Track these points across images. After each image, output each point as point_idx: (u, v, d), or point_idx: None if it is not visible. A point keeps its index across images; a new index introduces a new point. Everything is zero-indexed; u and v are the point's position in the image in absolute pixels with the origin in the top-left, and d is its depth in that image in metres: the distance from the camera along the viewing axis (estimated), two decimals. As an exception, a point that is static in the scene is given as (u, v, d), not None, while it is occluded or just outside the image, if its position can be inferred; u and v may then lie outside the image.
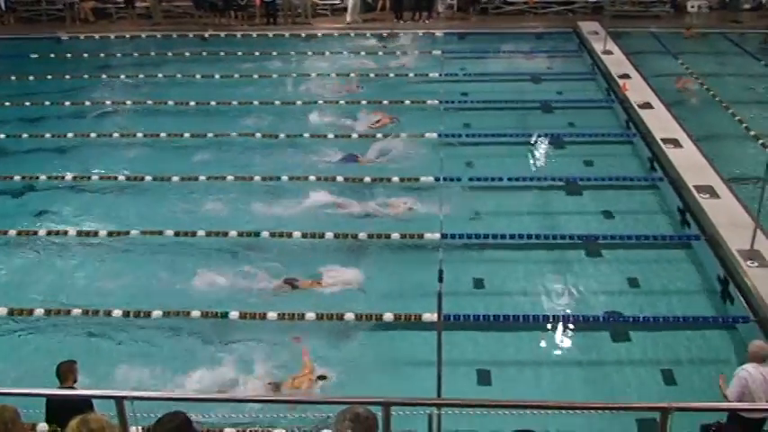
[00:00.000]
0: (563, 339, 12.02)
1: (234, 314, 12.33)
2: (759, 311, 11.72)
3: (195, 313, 12.35)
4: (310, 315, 12.28)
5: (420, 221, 14.86)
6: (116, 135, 19.46)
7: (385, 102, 21.19)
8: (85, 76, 24.01)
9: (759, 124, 18.98)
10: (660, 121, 18.67)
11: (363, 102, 21.33)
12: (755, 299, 11.91)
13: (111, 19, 30.32)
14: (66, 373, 9.31)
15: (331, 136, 19.08)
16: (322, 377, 11.09)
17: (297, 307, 12.48)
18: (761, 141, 17.83)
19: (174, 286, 13.28)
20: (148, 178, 16.90)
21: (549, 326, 12.22)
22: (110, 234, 14.79)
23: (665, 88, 21.36)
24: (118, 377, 10.92)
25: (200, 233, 14.64)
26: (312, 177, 16.78)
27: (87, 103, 21.77)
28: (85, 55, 26.16)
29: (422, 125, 19.36)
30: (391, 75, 23.69)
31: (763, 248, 12.96)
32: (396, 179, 16.66)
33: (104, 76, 24.19)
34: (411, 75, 23.62)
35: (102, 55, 26.26)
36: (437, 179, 16.33)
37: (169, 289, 13.20)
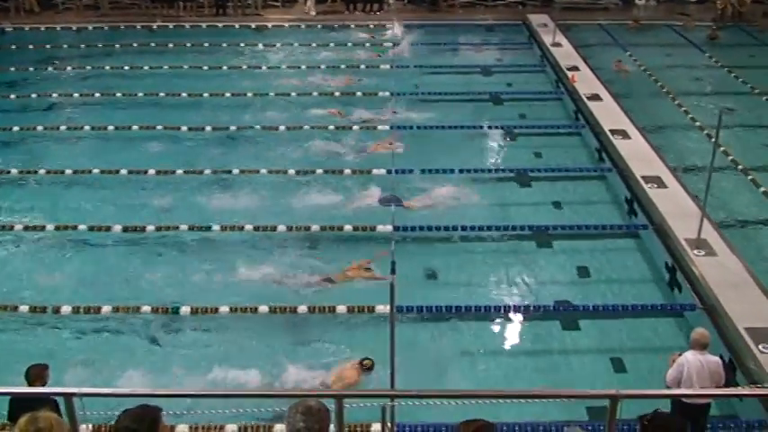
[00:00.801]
0: (514, 329, 12.12)
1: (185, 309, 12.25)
2: (706, 299, 11.95)
3: (145, 308, 12.24)
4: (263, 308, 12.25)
5: (372, 215, 14.85)
6: (63, 128, 19.13)
7: (337, 94, 21.15)
8: (31, 68, 23.54)
9: (705, 115, 19.32)
10: (608, 113, 18.91)
11: (315, 94, 21.24)
12: (702, 287, 12.14)
13: (57, 10, 29.74)
14: (34, 376, 8.96)
15: (282, 128, 18.98)
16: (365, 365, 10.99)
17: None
18: (706, 132, 18.14)
19: (125, 280, 13.15)
20: (96, 171, 16.65)
21: (500, 316, 12.32)
22: (57, 228, 14.54)
23: (612, 79, 21.64)
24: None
25: (150, 228, 14.48)
26: (264, 170, 16.68)
27: (33, 95, 21.37)
28: (31, 46, 25.64)
29: (374, 116, 19.36)
30: (342, 66, 23.63)
31: (710, 237, 13.21)
32: (348, 171, 16.63)
33: (50, 68, 23.76)
34: (362, 66, 23.60)
35: (47, 46, 25.76)
36: (389, 171, 16.34)
37: (117, 282, 13.08)
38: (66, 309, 12.27)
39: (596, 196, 16.04)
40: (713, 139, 12.50)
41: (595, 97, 19.90)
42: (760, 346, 10.61)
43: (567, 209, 15.45)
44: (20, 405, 7.95)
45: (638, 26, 28.25)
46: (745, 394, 9.98)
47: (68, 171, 16.73)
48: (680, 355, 9.46)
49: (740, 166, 16.80)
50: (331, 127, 18.96)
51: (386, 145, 17.52)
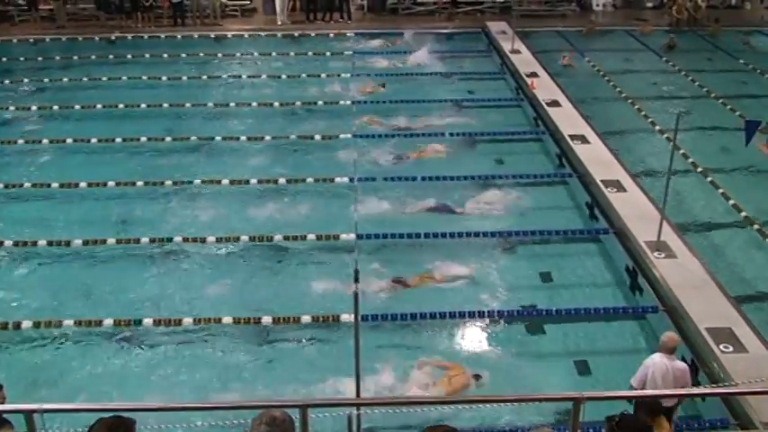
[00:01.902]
0: (479, 334, 12.11)
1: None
2: (667, 301, 12.06)
3: (107, 321, 12.09)
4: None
5: (334, 222, 14.83)
6: (21, 141, 18.88)
7: (298, 103, 21.12)
8: (-13, 81, 23.25)
9: (663, 118, 19.57)
10: (568, 118, 19.08)
11: (276, 104, 21.21)
12: (663, 289, 12.26)
13: (13, 22, 29.46)
14: None
15: (244, 138, 18.90)
16: (477, 376, 10.96)
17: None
18: (665, 135, 18.38)
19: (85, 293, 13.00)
20: (55, 185, 16.43)
21: (464, 322, 12.30)
22: (15, 244, 14.31)
23: (568, 83, 21.87)
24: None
25: (110, 240, 14.33)
26: (225, 181, 16.59)
27: (-11, 109, 21.09)
28: (-14, 60, 25.35)
29: (335, 126, 19.35)
30: (303, 75, 23.60)
31: (670, 239, 13.35)
32: (310, 179, 16.59)
33: (7, 81, 23.44)
34: (323, 75, 23.60)
35: (3, 59, 25.48)
36: (351, 180, 16.33)
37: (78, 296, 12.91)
38: (26, 324, 12.07)
39: (558, 201, 16.12)
40: (671, 143, 12.65)
41: (555, 103, 20.07)
42: (721, 346, 10.73)
43: (530, 214, 15.51)
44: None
45: (592, 31, 28.58)
46: (708, 393, 10.07)
47: (27, 185, 16.49)
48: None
49: (699, 169, 17.02)
50: (292, 136, 18.90)
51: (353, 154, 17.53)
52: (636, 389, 9.39)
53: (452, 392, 10.60)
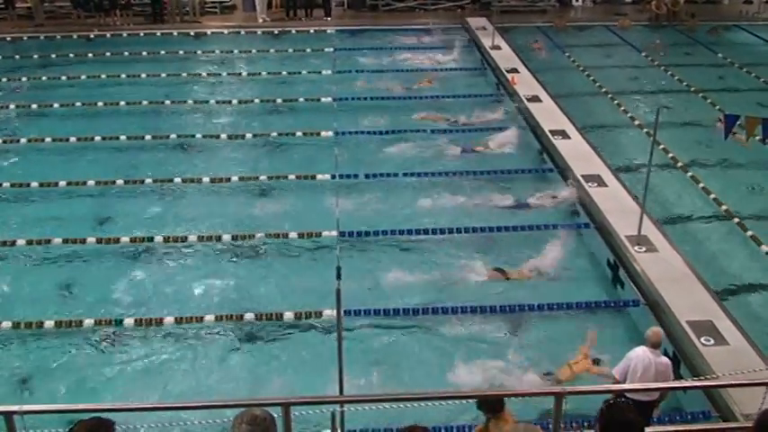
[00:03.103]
0: (460, 330, 12.10)
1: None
2: (648, 295, 12.12)
3: (88, 321, 12.02)
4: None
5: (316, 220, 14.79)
6: (-1, 140, 18.77)
7: (279, 100, 21.07)
8: (-36, 80, 23.03)
9: (643, 113, 19.65)
10: (548, 114, 19.12)
11: (257, 100, 21.17)
12: (645, 283, 12.31)
13: (-10, 21, 29.18)
14: None
15: (224, 136, 18.85)
16: (596, 361, 11.04)
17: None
18: (645, 130, 18.46)
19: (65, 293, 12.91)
20: (34, 184, 16.31)
21: (446, 317, 12.28)
22: (-5, 244, 14.21)
23: (550, 80, 21.90)
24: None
25: (90, 239, 14.24)
26: (206, 179, 16.53)
27: (-33, 108, 20.90)
28: (-37, 58, 25.11)
29: (317, 123, 19.31)
30: (284, 73, 23.55)
31: (651, 233, 13.42)
32: (292, 176, 16.55)
33: (-16, 79, 23.25)
34: (304, 72, 23.54)
35: (-19, 58, 25.26)
36: (333, 177, 16.30)
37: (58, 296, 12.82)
38: (6, 324, 11.98)
39: (538, 196, 16.12)
40: (651, 137, 12.70)
41: (535, 98, 20.11)
42: (702, 339, 10.80)
43: (511, 209, 15.52)
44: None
45: (563, 26, 28.66)
46: (689, 387, 10.15)
47: (5, 184, 16.36)
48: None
49: (679, 163, 17.11)
50: (273, 134, 18.86)
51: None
52: (617, 380, 9.43)
53: (572, 378, 10.81)
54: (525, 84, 21.23)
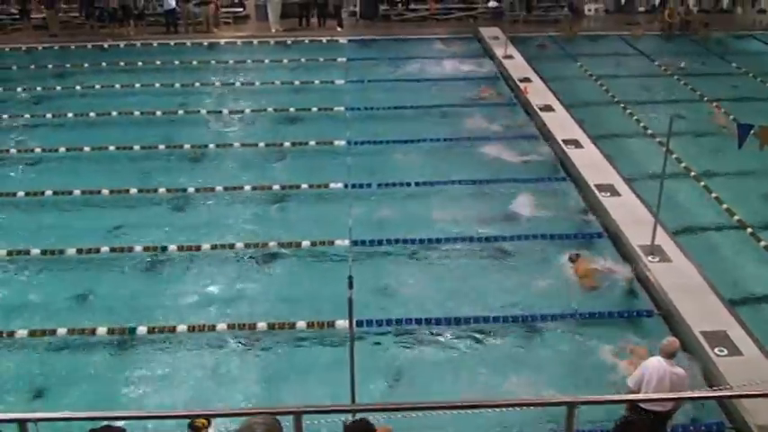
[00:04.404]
0: (479, 339, 12.06)
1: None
2: (662, 305, 12.08)
3: (101, 330, 12.06)
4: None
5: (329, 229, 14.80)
6: (13, 151, 18.87)
7: (292, 109, 21.13)
8: (-21, 90, 23.20)
9: (656, 122, 19.60)
10: (561, 123, 19.12)
11: (269, 110, 21.25)
12: (658, 293, 12.28)
13: (6, 30, 29.41)
14: None
15: (237, 146, 18.95)
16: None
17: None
18: (658, 139, 18.40)
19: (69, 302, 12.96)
20: (48, 193, 16.40)
21: (465, 327, 12.24)
22: (9, 253, 14.26)
23: (564, 89, 21.89)
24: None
25: (104, 249, 14.30)
26: (219, 188, 16.59)
27: (-18, 118, 21.04)
28: (-21, 68, 25.30)
29: (329, 132, 19.35)
30: (297, 82, 23.62)
31: (664, 243, 13.40)
32: (305, 185, 16.58)
33: (0, 89, 23.39)
34: (316, 81, 23.61)
35: (-4, 68, 25.45)
36: (346, 186, 16.32)
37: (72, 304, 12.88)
38: (21, 333, 12.02)
39: (552, 206, 16.08)
40: (664, 147, 12.67)
41: (548, 108, 20.11)
42: (715, 350, 10.76)
43: (524, 219, 15.50)
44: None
45: (573, 34, 28.65)
46: (703, 397, 10.09)
47: (20, 194, 16.46)
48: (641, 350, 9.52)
49: (692, 173, 17.05)
50: (286, 143, 18.91)
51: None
52: (632, 389, 9.34)
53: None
54: (538, 93, 21.24)
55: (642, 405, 9.11)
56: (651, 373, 9.19)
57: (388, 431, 7.74)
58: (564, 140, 17.90)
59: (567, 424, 6.08)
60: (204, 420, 8.36)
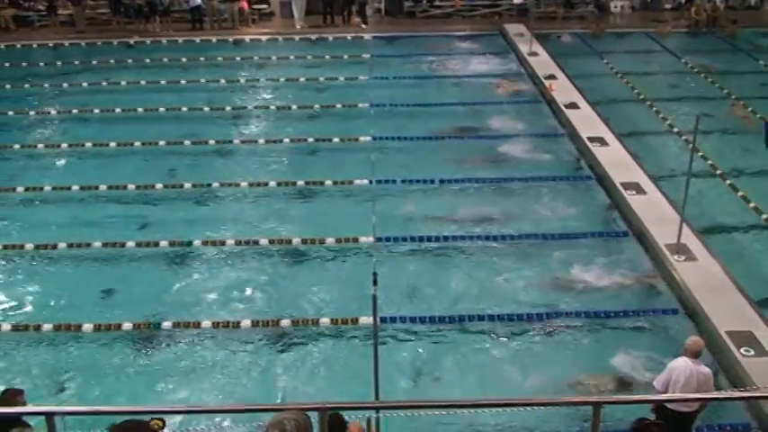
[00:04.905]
0: (500, 337, 12.04)
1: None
2: (687, 304, 12.00)
3: (127, 325, 12.15)
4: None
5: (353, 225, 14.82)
6: (40, 146, 19.05)
7: (316, 106, 21.17)
8: (7, 86, 23.37)
9: (682, 120, 19.44)
10: (586, 121, 19.03)
11: (294, 106, 21.30)
12: (684, 292, 12.20)
13: (33, 27, 29.63)
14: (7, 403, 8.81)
15: (262, 142, 19.01)
16: None
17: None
18: (684, 138, 18.27)
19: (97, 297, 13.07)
20: (75, 188, 16.54)
21: (485, 324, 12.23)
22: (36, 247, 14.39)
23: (590, 87, 21.77)
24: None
25: (130, 243, 14.39)
26: (244, 184, 16.66)
27: (10, 113, 21.20)
28: (7, 64, 25.49)
29: (354, 128, 19.38)
30: (321, 78, 23.67)
31: (690, 242, 13.30)
32: (329, 182, 16.62)
33: (27, 85, 23.59)
34: (341, 78, 23.63)
35: (24, 64, 25.64)
36: (370, 182, 16.33)
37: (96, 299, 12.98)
38: (47, 327, 12.15)
39: (577, 204, 16.02)
40: (690, 145, 12.58)
41: (573, 105, 20.02)
42: (741, 350, 10.68)
43: (549, 217, 15.45)
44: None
45: (601, 31, 28.46)
46: (729, 397, 10.02)
47: (47, 188, 16.63)
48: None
49: (718, 171, 16.91)
50: (310, 139, 18.95)
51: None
52: (659, 391, 9.26)
53: None
54: (563, 90, 21.15)
55: (669, 406, 9.05)
56: (678, 373, 9.10)
57: (360, 428, 7.76)
58: (589, 138, 17.81)
59: (593, 424, 6.05)
60: (159, 421, 8.16)
